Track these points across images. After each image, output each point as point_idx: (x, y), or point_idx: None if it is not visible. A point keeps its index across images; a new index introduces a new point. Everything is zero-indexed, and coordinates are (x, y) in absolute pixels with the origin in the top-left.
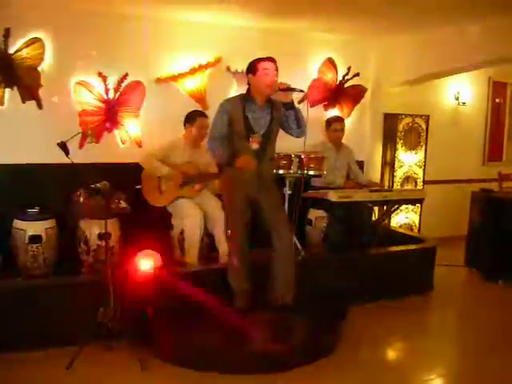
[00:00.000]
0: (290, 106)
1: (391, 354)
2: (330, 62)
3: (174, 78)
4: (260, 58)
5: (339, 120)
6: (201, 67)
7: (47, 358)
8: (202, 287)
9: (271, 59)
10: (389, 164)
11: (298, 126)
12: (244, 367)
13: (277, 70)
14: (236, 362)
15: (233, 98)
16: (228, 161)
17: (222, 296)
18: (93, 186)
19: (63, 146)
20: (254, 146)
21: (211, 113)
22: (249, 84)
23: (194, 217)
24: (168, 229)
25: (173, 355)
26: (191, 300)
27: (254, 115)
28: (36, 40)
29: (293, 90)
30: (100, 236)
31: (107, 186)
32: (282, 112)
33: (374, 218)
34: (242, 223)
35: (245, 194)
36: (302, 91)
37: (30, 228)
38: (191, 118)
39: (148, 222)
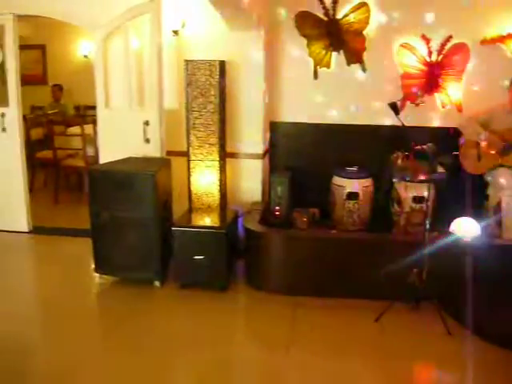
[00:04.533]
0: None
1: None
2: None
3: (502, 39)
4: None
5: None
6: None
7: (359, 307)
8: None
9: None
10: None
11: None
12: None
13: None
14: None
15: None
16: None
17: None
18: (418, 147)
19: (394, 107)
20: None
21: None
22: None
23: None
24: (484, 199)
25: (479, 327)
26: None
27: None
28: (362, 4)
29: None
30: (415, 199)
31: (433, 148)
32: None
33: None
34: None
35: None
36: None
37: (348, 185)
38: None
39: (463, 189)
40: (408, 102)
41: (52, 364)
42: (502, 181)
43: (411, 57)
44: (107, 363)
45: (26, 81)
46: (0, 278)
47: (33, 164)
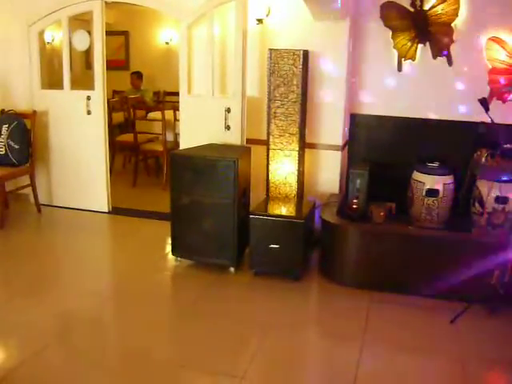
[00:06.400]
0: None
1: None
2: None
3: None
4: None
5: None
6: None
7: (434, 306)
8: None
9: None
10: None
11: None
12: None
13: None
14: None
15: None
16: None
17: None
18: (508, 145)
19: (484, 102)
20: None
21: None
22: None
23: None
24: None
25: None
26: None
27: None
28: None
29: None
30: (497, 199)
31: None
32: None
33: None
34: None
35: None
36: None
37: (428, 181)
38: None
39: None
40: (494, 99)
41: (125, 342)
42: None
43: (501, 51)
44: (179, 343)
45: (110, 66)
46: (80, 255)
47: (113, 147)
